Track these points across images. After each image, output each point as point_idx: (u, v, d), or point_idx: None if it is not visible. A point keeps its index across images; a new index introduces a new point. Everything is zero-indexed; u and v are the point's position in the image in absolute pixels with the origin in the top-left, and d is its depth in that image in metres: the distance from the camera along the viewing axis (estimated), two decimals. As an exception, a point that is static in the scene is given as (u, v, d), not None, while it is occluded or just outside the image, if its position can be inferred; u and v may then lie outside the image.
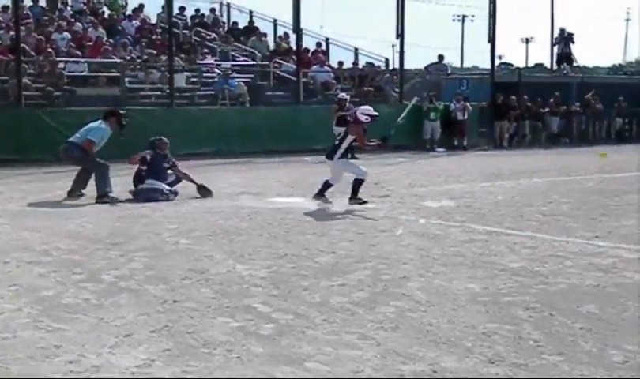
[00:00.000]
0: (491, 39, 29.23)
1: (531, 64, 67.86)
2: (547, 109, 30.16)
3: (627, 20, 79.71)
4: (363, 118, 12.46)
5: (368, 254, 8.34)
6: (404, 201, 12.89)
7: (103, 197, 12.64)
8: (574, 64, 36.22)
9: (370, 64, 30.03)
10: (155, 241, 9.17)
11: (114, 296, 6.63)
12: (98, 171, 13.03)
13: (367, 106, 13.08)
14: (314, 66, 27.91)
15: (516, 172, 18.16)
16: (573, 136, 31.01)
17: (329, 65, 28.79)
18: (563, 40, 34.92)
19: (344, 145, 12.71)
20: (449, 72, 31.98)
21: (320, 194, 12.54)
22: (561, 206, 12.32)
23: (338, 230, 9.94)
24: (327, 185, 12.61)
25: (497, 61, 41.99)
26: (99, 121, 13.62)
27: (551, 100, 30.37)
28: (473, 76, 33.77)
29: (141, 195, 12.83)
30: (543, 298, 6.52)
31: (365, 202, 12.21)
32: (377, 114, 12.69)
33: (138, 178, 13.20)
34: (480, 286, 6.97)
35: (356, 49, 29.89)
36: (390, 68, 29.81)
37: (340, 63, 29.16)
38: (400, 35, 26.93)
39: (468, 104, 27.28)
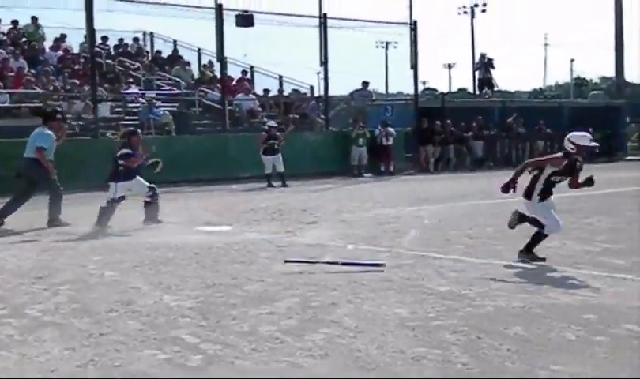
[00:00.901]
0: (414, 66, 29.65)
1: (454, 89, 69.17)
2: (470, 133, 30.64)
3: (546, 44, 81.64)
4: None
5: (296, 281, 8.31)
6: (333, 227, 12.91)
7: (55, 221, 12.53)
8: (495, 88, 36.95)
9: (295, 91, 30.17)
10: (80, 273, 9.01)
11: (39, 331, 6.48)
12: (54, 196, 12.90)
13: (580, 133, 9.48)
14: (239, 94, 27.93)
15: (442, 196, 18.38)
16: (496, 160, 31.55)
17: (254, 93, 28.83)
18: (484, 66, 35.65)
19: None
20: (373, 98, 32.28)
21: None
22: (487, 229, 12.46)
23: (266, 258, 9.91)
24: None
25: (421, 87, 42.73)
26: (41, 128, 13.45)
27: (474, 124, 30.88)
28: (398, 101, 34.16)
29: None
30: (470, 321, 6.57)
31: (543, 259, 9.38)
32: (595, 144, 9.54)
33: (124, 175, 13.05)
34: (408, 310, 7.00)
35: (281, 76, 30.04)
36: (316, 95, 29.99)
37: (266, 91, 29.25)
38: (324, 62, 27.14)
39: (391, 129, 27.58)
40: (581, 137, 9.27)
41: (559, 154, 9.27)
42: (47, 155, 13.29)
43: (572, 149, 9.09)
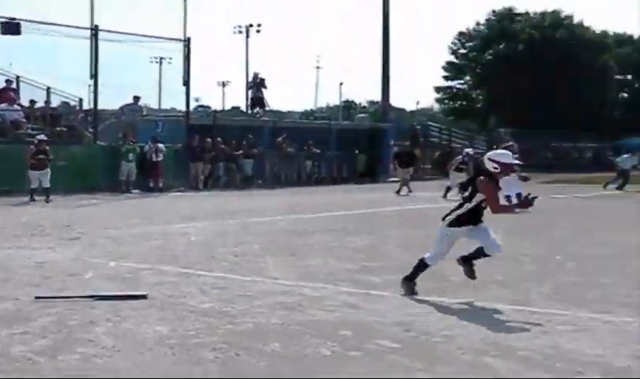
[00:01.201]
0: (186, 82, 29.63)
1: (228, 107, 69.62)
2: (240, 151, 30.94)
3: (318, 67, 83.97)
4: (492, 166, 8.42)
5: (55, 300, 8.04)
6: (96, 243, 12.61)
7: None
8: (267, 108, 37.53)
9: (64, 103, 29.26)
10: None
11: None
12: None
13: (501, 151, 9.03)
14: (3, 104, 26.74)
15: (211, 213, 18.42)
16: (266, 178, 32.03)
17: (19, 104, 27.70)
18: (256, 85, 36.10)
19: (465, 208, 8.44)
20: (144, 113, 31.86)
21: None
22: (253, 246, 12.60)
23: (24, 275, 9.52)
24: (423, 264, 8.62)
25: (194, 104, 42.64)
26: None
27: (245, 143, 31.22)
28: (169, 117, 33.94)
29: None
30: (230, 339, 6.60)
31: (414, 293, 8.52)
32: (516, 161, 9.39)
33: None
34: (169, 328, 6.94)
35: (49, 88, 29.00)
36: (85, 107, 29.23)
37: (32, 102, 28.17)
38: (95, 74, 26.56)
39: (161, 145, 27.39)
40: (504, 155, 8.57)
41: (483, 178, 8.26)
42: None
43: (495, 168, 8.26)
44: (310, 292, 8.71)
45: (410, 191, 26.75)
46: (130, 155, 26.44)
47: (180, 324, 7.08)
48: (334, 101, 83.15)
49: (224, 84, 78.80)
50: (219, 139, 30.22)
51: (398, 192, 26.73)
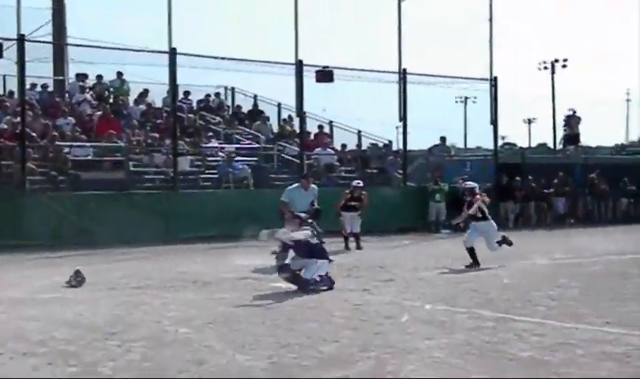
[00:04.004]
0: (494, 121, 29.33)
1: (534, 144, 68.27)
2: (551, 189, 30.07)
3: (628, 100, 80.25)
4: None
5: (372, 342, 8.10)
6: (410, 285, 12.66)
7: None
8: (579, 144, 36.28)
9: (373, 145, 30.04)
10: (153, 329, 8.95)
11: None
12: None
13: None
14: (318, 149, 27.94)
15: (522, 254, 17.93)
16: (578, 217, 30.85)
17: (332, 147, 28.82)
18: (572, 121, 34.97)
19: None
20: (452, 153, 31.95)
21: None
22: (569, 290, 12.08)
23: (341, 318, 9.71)
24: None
25: (500, 142, 42.15)
26: None
27: (556, 181, 30.30)
28: (477, 157, 33.77)
29: None
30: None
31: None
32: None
33: None
34: (489, 377, 6.73)
35: (359, 131, 29.93)
36: (394, 149, 29.81)
37: (344, 145, 29.20)
38: (403, 117, 27.02)
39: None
40: None
41: None
42: None
43: None
44: (638, 341, 8.12)
45: None
46: (437, 196, 26.49)
47: (500, 374, 6.84)
48: (647, 134, 78.98)
49: (529, 121, 77.43)
50: (529, 177, 29.58)
51: None
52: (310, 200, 16.73)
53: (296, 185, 17.41)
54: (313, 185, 17.45)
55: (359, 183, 21.28)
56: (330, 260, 12.89)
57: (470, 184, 17.21)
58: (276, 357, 7.50)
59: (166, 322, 9.41)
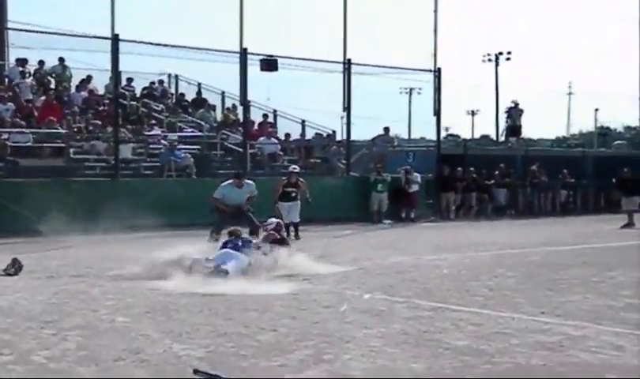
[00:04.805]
0: (437, 112, 29.59)
1: (477, 135, 69.00)
2: (492, 181, 30.41)
3: (570, 93, 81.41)
4: None
5: (310, 331, 8.12)
6: (349, 275, 12.71)
7: None
8: (522, 136, 36.72)
9: (318, 135, 30.10)
10: (90, 318, 8.86)
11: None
12: None
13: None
14: (261, 138, 27.90)
15: (462, 245, 18.14)
16: (518, 209, 31.26)
17: (276, 137, 28.79)
18: (514, 113, 35.36)
19: None
20: (395, 143, 32.15)
21: None
22: (507, 280, 12.23)
23: (280, 307, 9.71)
24: None
25: (444, 133, 42.57)
26: None
27: (497, 172, 30.65)
28: (420, 147, 34.03)
29: None
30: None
31: None
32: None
33: None
34: (424, 365, 6.79)
35: (303, 121, 29.98)
36: (337, 139, 29.90)
37: (287, 135, 29.20)
38: (347, 107, 27.10)
39: (416, 175, 27.45)
40: None
41: None
42: None
43: None
44: (571, 331, 8.25)
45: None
46: (380, 186, 26.62)
47: (436, 362, 6.91)
48: (587, 127, 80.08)
49: (473, 113, 78.19)
50: (471, 168, 29.87)
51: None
52: (246, 196, 16.88)
53: (230, 181, 17.45)
54: (249, 181, 17.57)
55: (294, 168, 21.51)
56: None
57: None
58: (213, 346, 7.47)
59: (103, 311, 9.32)
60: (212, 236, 16.05)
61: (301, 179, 20.71)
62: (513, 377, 6.47)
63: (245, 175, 18.13)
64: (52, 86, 27.73)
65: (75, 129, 24.49)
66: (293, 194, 20.24)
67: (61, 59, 27.91)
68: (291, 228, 19.70)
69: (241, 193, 17.03)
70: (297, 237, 19.57)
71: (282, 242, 13.77)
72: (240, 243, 12.53)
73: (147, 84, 30.57)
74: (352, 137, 28.34)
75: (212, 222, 17.15)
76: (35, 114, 24.54)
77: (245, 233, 13.99)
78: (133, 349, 7.28)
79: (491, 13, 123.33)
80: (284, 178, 21.04)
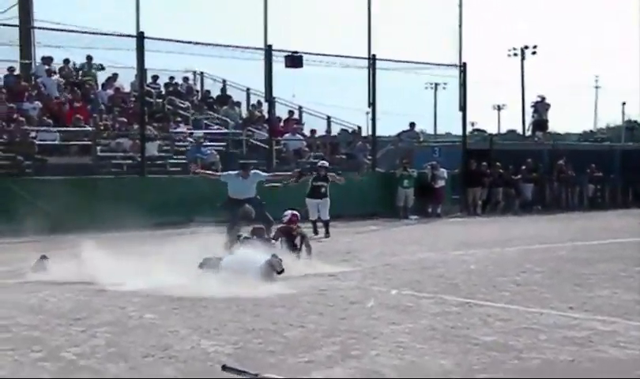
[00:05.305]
0: (462, 108, 29.46)
1: (503, 130, 68.65)
2: (519, 176, 30.24)
3: (597, 87, 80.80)
4: None
5: (338, 328, 8.12)
6: (377, 271, 12.70)
7: None
8: (548, 131, 36.46)
9: (343, 131, 30.04)
10: (118, 315, 8.91)
11: (73, 375, 6.36)
12: None
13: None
14: (287, 134, 27.91)
15: (489, 240, 18.07)
16: (545, 203, 31.07)
17: (301, 133, 28.79)
18: (541, 108, 35.11)
19: None
20: (421, 139, 32.05)
21: None
22: (534, 276, 12.18)
23: (308, 303, 9.72)
24: None
25: (469, 128, 42.42)
26: None
27: (524, 167, 30.47)
28: (445, 143, 33.90)
29: None
30: (517, 375, 6.33)
31: None
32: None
33: None
34: (453, 362, 6.77)
35: (329, 117, 29.94)
36: (363, 135, 29.85)
37: (313, 131, 29.18)
38: (373, 103, 27.04)
39: (442, 170, 27.33)
40: None
41: None
42: None
43: None
44: (600, 326, 8.21)
45: None
46: (406, 182, 26.51)
47: (464, 358, 6.89)
48: (614, 121, 79.40)
49: (499, 108, 77.80)
50: (497, 163, 29.70)
51: None
52: (253, 186, 16.92)
53: (236, 172, 17.50)
54: (256, 171, 17.66)
55: (324, 163, 21.33)
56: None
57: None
58: (241, 342, 7.50)
59: (131, 308, 9.37)
60: (230, 236, 15.55)
61: (331, 173, 20.58)
62: (542, 372, 6.43)
63: (250, 166, 18.05)
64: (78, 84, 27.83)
65: (101, 127, 24.59)
66: (323, 189, 20.11)
67: (89, 57, 28.05)
68: (319, 224, 19.69)
69: (247, 184, 17.04)
70: (327, 235, 19.48)
71: (289, 235, 13.62)
72: (258, 243, 12.45)
73: (172, 82, 30.64)
74: (378, 133, 28.29)
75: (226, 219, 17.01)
76: (62, 111, 24.68)
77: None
78: (161, 345, 7.32)
79: (516, 7, 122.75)
80: (313, 172, 20.96)
